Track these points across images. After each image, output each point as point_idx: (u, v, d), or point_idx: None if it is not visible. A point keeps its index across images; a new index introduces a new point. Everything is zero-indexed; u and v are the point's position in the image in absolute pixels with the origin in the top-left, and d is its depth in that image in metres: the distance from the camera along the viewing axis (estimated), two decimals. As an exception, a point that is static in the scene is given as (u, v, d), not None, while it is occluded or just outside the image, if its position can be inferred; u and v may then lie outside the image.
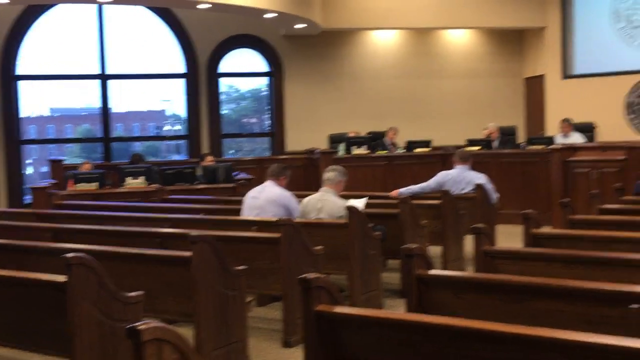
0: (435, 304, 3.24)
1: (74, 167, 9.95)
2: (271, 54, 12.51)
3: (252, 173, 9.91)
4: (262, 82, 13.19)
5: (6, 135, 11.38)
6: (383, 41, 12.93)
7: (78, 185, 8.42)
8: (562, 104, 12.26)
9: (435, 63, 13.08)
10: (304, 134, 12.33)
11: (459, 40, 13.23)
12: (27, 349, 4.07)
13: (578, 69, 12.46)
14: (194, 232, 4.17)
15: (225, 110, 13.09)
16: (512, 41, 13.32)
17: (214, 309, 4.16)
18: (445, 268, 6.48)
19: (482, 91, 13.21)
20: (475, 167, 7.92)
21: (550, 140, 10.03)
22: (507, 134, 11.09)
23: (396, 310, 5.50)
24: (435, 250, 6.88)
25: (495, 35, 13.23)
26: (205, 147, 12.11)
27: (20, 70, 11.59)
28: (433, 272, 3.28)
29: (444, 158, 10.40)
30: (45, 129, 14.26)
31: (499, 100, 13.22)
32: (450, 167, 7.88)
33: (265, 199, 5.99)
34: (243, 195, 6.52)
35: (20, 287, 3.81)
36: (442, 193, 6.74)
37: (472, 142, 10.67)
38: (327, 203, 5.88)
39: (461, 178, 7.36)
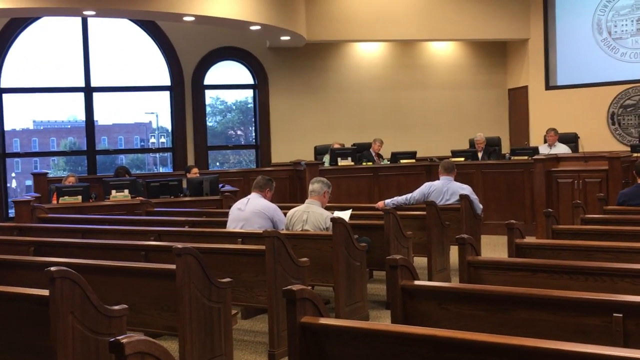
0: (420, 315, 3.24)
1: (59, 180, 9.89)
2: (256, 66, 12.53)
3: (238, 185, 9.90)
4: (248, 94, 13.20)
5: (-11, 148, 11.29)
6: (367, 53, 12.99)
7: (62, 198, 8.37)
8: (546, 114, 12.37)
9: (420, 75, 13.16)
10: (290, 146, 12.35)
11: (443, 52, 13.32)
12: (9, 364, 4.02)
13: (561, 80, 12.59)
14: (178, 245, 4.16)
15: (210, 122, 13.08)
16: (495, 53, 13.43)
17: (198, 321, 4.14)
18: (430, 279, 6.50)
19: (467, 102, 13.30)
20: (460, 178, 7.97)
21: (534, 151, 10.11)
22: (492, 144, 11.17)
23: (382, 321, 5.50)
24: (420, 261, 6.90)
25: (479, 47, 13.34)
26: (190, 159, 12.09)
27: (3, 83, 11.52)
28: (418, 283, 3.29)
29: (428, 169, 10.45)
30: (29, 142, 14.19)
31: (483, 112, 13.32)
32: (435, 178, 7.91)
33: (250, 211, 5.99)
34: (228, 207, 6.51)
35: (2, 302, 3.77)
36: (427, 204, 6.76)
37: (456, 153, 10.73)
38: (312, 215, 5.89)
39: (446, 189, 7.40)
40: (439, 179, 7.56)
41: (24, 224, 7.31)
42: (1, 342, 3.76)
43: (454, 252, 6.28)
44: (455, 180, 7.55)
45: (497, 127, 12.99)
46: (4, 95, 11.57)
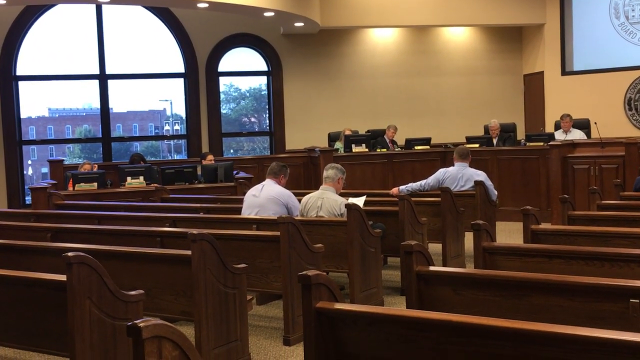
0: (435, 301, 3.24)
1: (74, 167, 9.95)
2: (270, 52, 12.51)
3: (252, 172, 9.92)
4: (262, 81, 13.19)
5: (6, 136, 11.38)
6: (382, 39, 12.93)
7: (78, 185, 8.43)
8: (562, 100, 12.26)
9: (434, 61, 13.09)
10: (304, 133, 12.34)
11: (458, 37, 13.22)
12: (28, 349, 4.08)
13: (577, 65, 12.47)
14: (194, 231, 4.18)
15: (224, 109, 13.09)
16: (511, 38, 13.32)
17: (214, 307, 4.16)
18: (445, 265, 6.49)
19: (481, 88, 13.21)
20: (475, 165, 7.93)
21: (549, 137, 10.04)
22: (507, 130, 11.10)
23: (396, 307, 5.51)
24: (435, 248, 6.89)
25: (494, 32, 13.23)
26: (205, 146, 12.12)
27: (19, 70, 11.59)
28: (433, 268, 3.29)
29: (443, 155, 10.41)
30: (45, 129, 14.27)
31: (498, 97, 13.23)
32: (450, 164, 7.88)
33: (265, 197, 6.00)
34: (243, 194, 6.53)
35: (20, 287, 3.81)
36: (441, 190, 6.74)
37: (471, 139, 10.67)
38: (326, 201, 5.89)
39: (460, 175, 7.37)
40: (453, 166, 7.53)
41: (41, 211, 7.38)
42: (20, 327, 3.81)
43: (468, 238, 6.28)
44: (470, 166, 7.52)
45: (512, 113, 12.90)
46: (20, 83, 11.65)
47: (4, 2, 9.16)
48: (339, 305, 2.71)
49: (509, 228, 8.76)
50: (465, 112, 12.98)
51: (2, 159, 11.38)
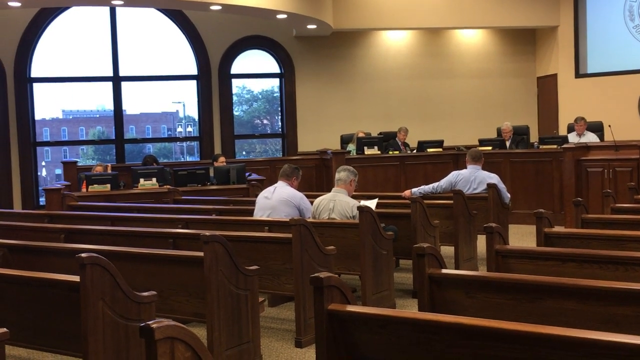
0: (448, 304, 3.23)
1: (88, 168, 10.01)
2: (283, 55, 12.53)
3: (264, 174, 9.93)
4: (274, 83, 13.21)
5: (20, 137, 11.46)
6: (394, 41, 12.92)
7: (91, 186, 8.48)
8: (575, 103, 12.20)
9: (447, 63, 13.06)
10: (316, 135, 12.35)
11: (471, 40, 13.19)
12: (41, 349, 4.10)
13: (591, 67, 12.40)
14: (206, 233, 4.19)
15: (237, 111, 13.12)
16: (524, 40, 13.27)
17: (226, 309, 4.17)
18: (457, 268, 6.47)
19: (494, 91, 13.17)
20: (488, 167, 7.90)
21: (563, 140, 9.98)
22: (520, 133, 11.05)
23: (408, 310, 5.50)
24: (447, 250, 6.87)
25: (508, 34, 13.18)
26: (217, 148, 12.14)
27: (34, 72, 11.67)
28: (445, 271, 3.28)
29: (455, 158, 10.39)
30: (59, 131, 14.36)
31: (511, 100, 13.18)
32: (462, 167, 7.86)
33: (277, 200, 6.01)
34: (255, 195, 6.54)
35: (34, 287, 3.84)
36: (454, 193, 6.73)
37: (483, 142, 10.64)
38: (338, 203, 5.88)
39: (473, 178, 7.35)
40: (465, 168, 7.51)
41: (55, 212, 7.42)
42: (33, 327, 3.83)
43: (481, 241, 6.26)
44: (483, 169, 7.50)
45: (525, 116, 12.85)
46: (35, 85, 11.73)
47: (19, 4, 9.23)
48: (350, 308, 2.71)
49: (522, 231, 8.73)
50: (477, 115, 12.94)
51: (16, 161, 11.46)
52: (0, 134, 11.42)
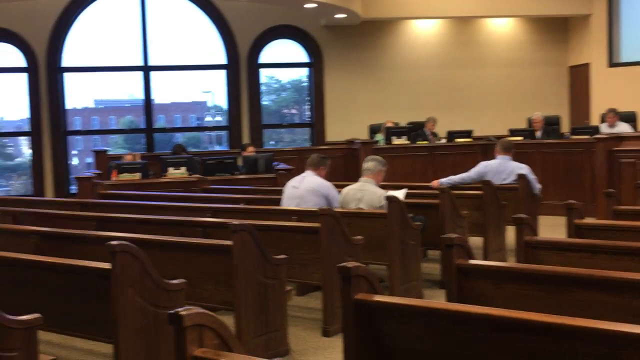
0: (476, 295, 3.21)
1: (118, 157, 10.12)
2: (311, 44, 12.51)
3: (292, 163, 9.94)
4: (302, 73, 13.21)
5: (52, 126, 11.63)
6: (423, 31, 12.82)
7: (121, 175, 8.57)
8: (608, 92, 12.00)
9: (477, 52, 12.93)
10: (344, 124, 12.32)
11: (502, 28, 13.04)
12: (72, 334, 4.16)
13: (625, 56, 12.17)
14: (234, 222, 4.21)
15: (265, 101, 13.15)
16: (556, 29, 13.07)
17: (254, 297, 4.20)
18: (486, 259, 6.42)
19: (525, 80, 13.01)
20: (518, 158, 7.81)
21: (595, 130, 9.84)
22: (551, 123, 10.91)
23: (436, 300, 5.48)
24: (476, 241, 6.82)
25: (539, 23, 13.00)
26: (245, 137, 12.19)
27: (65, 62, 11.81)
28: (473, 262, 3.26)
29: (485, 148, 10.29)
30: (89, 120, 14.52)
31: (542, 89, 13.01)
32: (491, 158, 7.79)
33: (305, 189, 6.02)
34: (283, 185, 6.55)
35: (66, 274, 3.90)
36: (483, 183, 6.67)
37: (514, 132, 10.53)
38: (366, 193, 5.87)
39: (503, 168, 7.28)
40: (495, 158, 7.44)
41: (86, 200, 7.52)
42: (64, 313, 3.89)
43: (510, 232, 6.20)
44: (513, 159, 7.42)
45: (556, 106, 12.68)
46: (66, 75, 11.87)
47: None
48: (378, 297, 2.71)
49: (552, 222, 8.62)
50: (507, 105, 12.80)
51: (49, 149, 11.63)
52: (33, 124, 11.60)
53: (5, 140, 13.91)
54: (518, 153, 7.99)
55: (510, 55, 12.99)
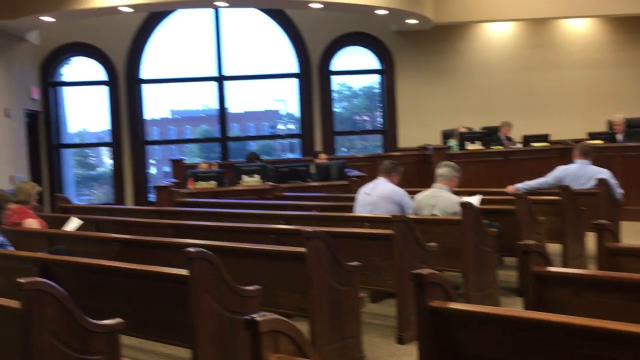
0: (554, 303, 3.13)
1: (194, 166, 10.35)
2: (382, 50, 12.49)
3: (365, 170, 9.93)
4: (374, 79, 13.20)
5: (132, 136, 12.01)
6: (497, 34, 12.61)
7: (197, 183, 8.77)
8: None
9: (552, 54, 12.61)
10: (417, 130, 12.23)
11: (579, 29, 12.68)
12: (151, 339, 4.27)
13: None
14: (308, 229, 4.23)
15: (337, 108, 13.20)
16: (637, 28, 12.61)
17: (327, 304, 4.21)
18: (565, 266, 6.24)
19: (605, 81, 12.60)
20: (598, 162, 7.57)
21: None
22: (633, 126, 10.51)
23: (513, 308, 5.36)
24: (554, 248, 6.64)
25: (619, 22, 12.57)
26: (318, 145, 12.27)
27: (143, 74, 12.19)
28: (552, 269, 3.18)
29: (562, 152, 10.01)
30: (166, 130, 14.94)
31: (623, 91, 12.56)
32: (569, 162, 7.58)
33: (378, 196, 6.00)
34: (355, 192, 6.55)
35: (145, 280, 4.01)
36: (561, 188, 6.49)
37: (593, 135, 10.20)
38: (440, 199, 5.81)
39: (582, 173, 7.06)
40: (573, 163, 7.23)
41: (164, 208, 7.72)
42: (143, 318, 3.99)
43: (590, 239, 6.01)
44: (592, 164, 7.19)
45: (638, 107, 12.21)
46: (144, 86, 12.25)
47: (130, 10, 9.65)
48: (453, 305, 2.67)
49: (635, 228, 8.31)
50: (586, 107, 12.42)
51: (128, 159, 12.02)
52: (113, 134, 12.02)
53: (88, 151, 14.46)
54: (598, 157, 7.74)
55: (589, 57, 12.61)
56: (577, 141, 8.87)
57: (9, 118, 10.02)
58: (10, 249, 4.97)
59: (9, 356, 3.17)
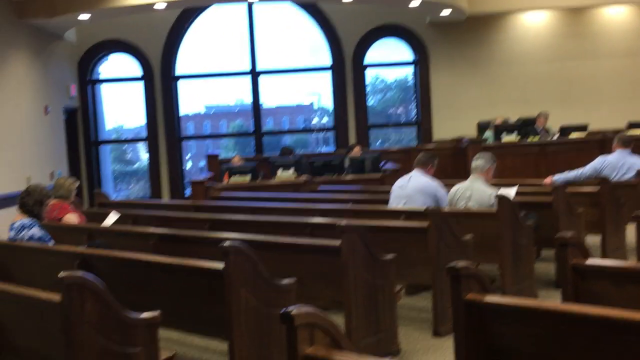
0: (593, 295, 3.09)
1: (229, 160, 10.42)
2: (416, 42, 12.40)
3: (399, 163, 9.90)
4: (408, 72, 13.13)
5: (168, 132, 12.13)
6: (533, 23, 12.42)
7: (233, 178, 8.82)
8: None
9: (590, 43, 12.39)
10: (451, 122, 12.14)
11: (618, 17, 12.43)
12: (188, 331, 4.33)
13: None
14: (343, 222, 4.24)
15: (371, 101, 13.16)
16: (677, 15, 12.33)
17: (363, 297, 4.21)
18: (604, 258, 6.14)
19: (644, 70, 12.34)
20: (639, 152, 7.43)
21: None
22: (674, 115, 10.29)
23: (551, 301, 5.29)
24: (593, 240, 6.54)
25: (659, 9, 12.30)
26: (352, 138, 12.25)
27: (178, 70, 12.30)
28: (590, 261, 3.13)
29: (601, 143, 9.84)
30: (201, 125, 15.07)
31: (663, 80, 12.29)
32: (609, 152, 7.44)
33: (413, 188, 5.97)
34: (390, 185, 6.53)
35: (182, 274, 4.05)
36: (600, 180, 6.38)
37: (634, 125, 10.01)
38: (476, 191, 5.76)
39: (622, 163, 6.93)
40: (612, 153, 7.10)
41: (200, 202, 7.79)
42: (181, 311, 4.04)
43: (630, 231, 5.91)
44: (633, 154, 7.06)
45: (680, 96, 11.96)
46: (179, 82, 12.36)
47: (163, 7, 9.74)
48: (489, 298, 2.65)
49: (677, 220, 8.14)
50: (626, 97, 12.18)
51: (164, 154, 12.15)
52: (150, 130, 12.16)
53: (125, 146, 14.66)
54: (639, 147, 7.60)
55: (628, 45, 12.36)
56: (617, 131, 8.70)
57: (48, 115, 10.20)
58: (51, 244, 5.08)
59: (51, 349, 3.24)
